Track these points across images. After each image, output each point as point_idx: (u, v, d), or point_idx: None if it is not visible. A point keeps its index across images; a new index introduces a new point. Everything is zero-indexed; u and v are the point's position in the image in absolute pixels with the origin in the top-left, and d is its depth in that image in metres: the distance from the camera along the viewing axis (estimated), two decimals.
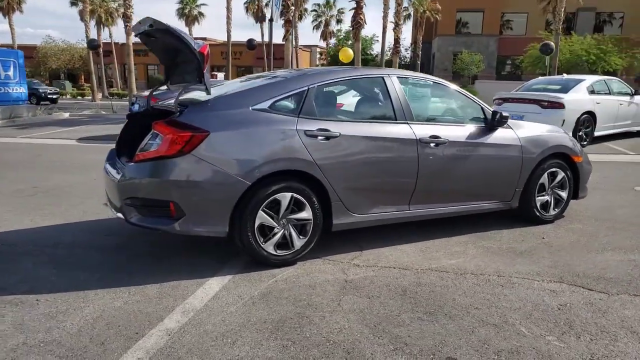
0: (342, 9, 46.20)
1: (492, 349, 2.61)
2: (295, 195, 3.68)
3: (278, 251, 3.70)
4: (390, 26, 31.60)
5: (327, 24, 45.23)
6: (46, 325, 2.83)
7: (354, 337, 2.72)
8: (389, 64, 34.25)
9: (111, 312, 2.99)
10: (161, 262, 3.83)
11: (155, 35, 3.86)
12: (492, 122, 4.51)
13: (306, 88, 3.87)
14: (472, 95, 4.72)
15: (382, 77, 4.25)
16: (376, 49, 43.85)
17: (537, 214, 4.90)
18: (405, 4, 38.37)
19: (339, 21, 46.90)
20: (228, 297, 3.22)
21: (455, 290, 3.35)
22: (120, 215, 3.71)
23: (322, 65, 37.77)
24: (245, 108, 3.67)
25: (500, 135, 4.58)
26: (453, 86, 4.72)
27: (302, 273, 3.63)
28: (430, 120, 4.37)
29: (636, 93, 12.56)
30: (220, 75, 44.26)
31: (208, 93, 3.72)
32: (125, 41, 20.88)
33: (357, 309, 3.05)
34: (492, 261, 3.91)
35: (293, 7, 18.73)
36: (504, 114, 4.49)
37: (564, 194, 5.04)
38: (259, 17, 41.51)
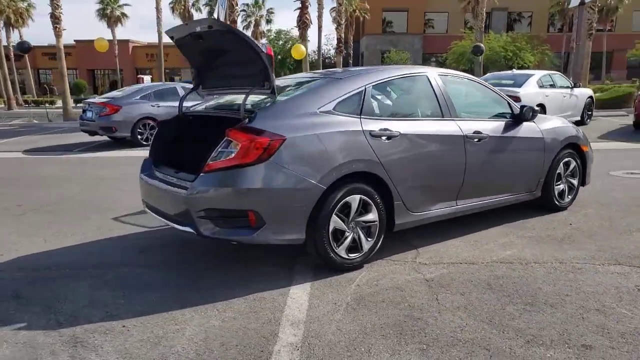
0: (271, 8, 45.95)
1: (614, 332, 2.73)
2: (363, 197, 3.64)
3: (350, 255, 3.64)
4: (325, 25, 31.86)
5: (257, 24, 44.77)
6: (156, 352, 2.60)
7: (480, 333, 2.73)
8: (321, 64, 34.51)
9: (216, 332, 2.80)
10: (220, 275, 3.64)
11: (204, 37, 3.66)
12: (522, 116, 4.69)
13: (363, 88, 3.83)
14: (499, 90, 4.88)
15: (426, 75, 4.29)
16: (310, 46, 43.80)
17: (556, 202, 5.17)
18: (334, 4, 38.91)
19: (268, 21, 46.58)
20: (323, 305, 3.12)
21: (534, 280, 3.46)
22: (182, 227, 3.50)
23: None
24: (313, 110, 3.57)
25: (528, 128, 4.78)
26: (483, 82, 4.86)
27: (378, 275, 3.59)
28: (470, 116, 4.47)
29: (575, 86, 13.58)
30: (147, 79, 42.60)
31: (274, 97, 3.57)
32: (56, 43, 19.36)
33: (460, 306, 3.07)
34: (543, 249, 4.08)
35: (237, 7, 18.36)
36: (535, 108, 4.69)
37: (575, 182, 5.35)
38: (187, 18, 40.28)
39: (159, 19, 32.94)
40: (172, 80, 36.95)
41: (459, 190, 4.25)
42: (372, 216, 3.71)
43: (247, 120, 3.39)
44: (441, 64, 43.72)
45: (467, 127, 4.27)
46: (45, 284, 3.51)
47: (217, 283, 3.49)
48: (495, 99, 4.83)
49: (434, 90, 4.24)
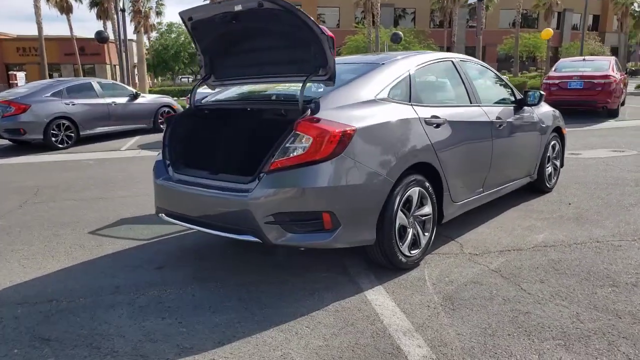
0: (160, 0, 43.30)
1: None
2: (421, 189, 3.42)
3: (411, 252, 3.40)
4: None
5: (146, 17, 42.02)
6: None
7: (600, 322, 2.64)
8: None
9: (329, 353, 2.42)
10: (276, 286, 3.22)
11: (242, 18, 3.18)
12: (528, 101, 4.75)
13: (408, 73, 3.60)
14: (503, 76, 4.91)
15: (451, 60, 4.17)
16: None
17: (547, 184, 5.36)
18: None
19: (158, 13, 43.99)
20: (417, 309, 2.86)
21: (592, 261, 3.48)
22: (239, 236, 3.03)
23: (147, 59, 35.03)
24: (371, 97, 3.27)
25: (529, 114, 4.87)
26: (492, 69, 4.86)
27: (442, 271, 3.39)
28: (490, 102, 4.43)
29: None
30: (21, 75, 38.30)
31: (332, 84, 3.19)
32: None
33: (553, 294, 2.98)
34: (570, 230, 4.15)
35: None
36: (542, 92, 4.79)
37: (558, 164, 5.60)
38: (64, 8, 36.69)
39: (37, 8, 29.59)
40: (51, 77, 33.45)
41: (485, 177, 4.19)
42: (428, 209, 3.51)
43: (308, 111, 3.00)
44: None
45: (491, 112, 4.22)
46: (67, 319, 2.84)
47: (279, 296, 3.07)
48: (503, 85, 4.85)
49: (460, 76, 4.14)
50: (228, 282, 3.30)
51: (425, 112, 3.50)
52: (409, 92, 3.52)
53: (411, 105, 3.46)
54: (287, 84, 3.72)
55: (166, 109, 12.51)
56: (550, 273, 3.29)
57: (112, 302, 3.05)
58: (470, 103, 4.10)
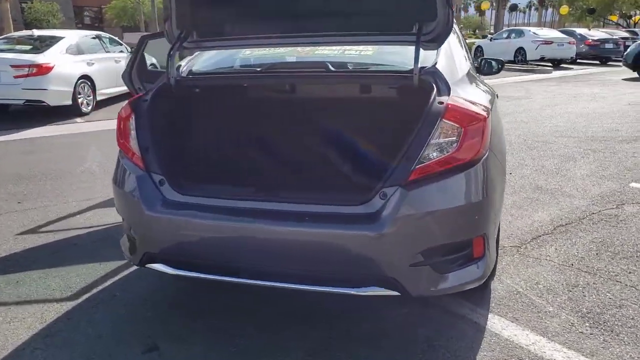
0: None
1: None
2: None
3: None
4: None
5: None
6: None
7: None
8: None
9: None
10: (371, 322, 2.29)
11: None
12: None
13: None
14: None
15: None
16: None
17: None
18: None
19: None
20: (560, 333, 2.33)
21: (625, 236, 3.45)
22: (354, 290, 2.01)
23: None
24: (465, 72, 2.53)
25: None
26: None
27: (526, 278, 2.92)
28: None
29: None
30: None
31: (438, 46, 2.25)
32: None
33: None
34: (588, 201, 4.15)
35: None
36: None
37: None
38: None
39: None
40: None
41: None
42: None
43: (434, 89, 2.07)
44: (97, 19, 39.31)
45: None
46: None
47: (373, 334, 2.18)
48: None
49: None
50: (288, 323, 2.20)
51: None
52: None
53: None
54: (337, 48, 2.65)
55: None
56: (618, 256, 3.14)
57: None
58: None
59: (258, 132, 2.81)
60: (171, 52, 2.41)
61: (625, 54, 14.95)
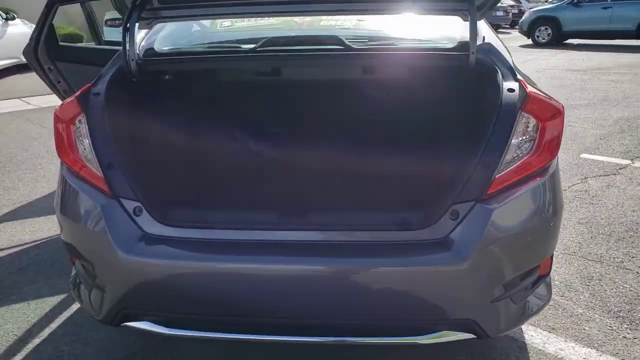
0: None
1: None
2: None
3: None
4: None
5: None
6: None
7: None
8: None
9: None
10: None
11: None
12: None
13: None
14: None
15: None
16: None
17: None
18: None
19: None
20: (609, 341, 2.11)
21: (607, 214, 3.36)
22: (424, 337, 1.57)
23: None
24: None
25: None
26: None
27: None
28: None
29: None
30: None
31: (478, 18, 1.82)
32: None
33: None
34: (600, 181, 3.96)
35: None
36: None
37: None
38: None
39: None
40: None
41: None
42: None
43: (498, 72, 1.66)
44: None
45: None
46: None
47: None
48: None
49: None
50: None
51: None
52: None
53: None
54: (339, 18, 2.13)
55: None
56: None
57: None
58: None
59: (264, 132, 2.21)
60: (129, 24, 1.75)
61: (520, 21, 15.64)
